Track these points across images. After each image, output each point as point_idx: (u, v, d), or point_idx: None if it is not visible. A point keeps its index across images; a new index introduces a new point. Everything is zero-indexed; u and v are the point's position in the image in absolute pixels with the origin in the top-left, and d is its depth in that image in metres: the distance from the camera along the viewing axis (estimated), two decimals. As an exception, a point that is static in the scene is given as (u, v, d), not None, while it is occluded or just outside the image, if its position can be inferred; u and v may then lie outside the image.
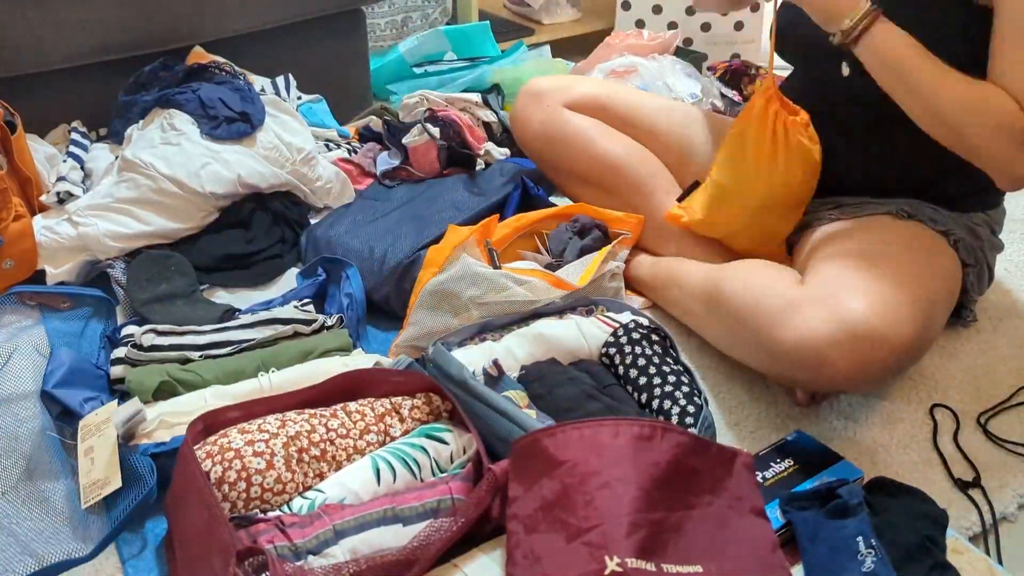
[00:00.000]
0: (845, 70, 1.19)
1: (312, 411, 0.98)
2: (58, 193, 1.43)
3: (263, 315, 1.22)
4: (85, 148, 1.57)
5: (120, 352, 1.16)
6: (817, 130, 1.21)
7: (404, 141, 1.66)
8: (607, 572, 0.73)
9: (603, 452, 0.80)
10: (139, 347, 1.15)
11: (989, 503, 1.04)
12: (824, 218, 1.27)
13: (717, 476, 0.82)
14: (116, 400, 1.07)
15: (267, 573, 0.77)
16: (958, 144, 1.10)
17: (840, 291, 1.04)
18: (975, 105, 1.06)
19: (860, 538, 0.90)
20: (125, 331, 1.20)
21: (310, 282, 1.34)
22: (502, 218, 1.46)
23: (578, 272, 1.30)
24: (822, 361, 1.01)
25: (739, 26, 2.34)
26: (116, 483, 0.96)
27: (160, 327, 1.18)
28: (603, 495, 0.77)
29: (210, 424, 0.96)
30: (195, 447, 0.91)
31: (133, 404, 1.03)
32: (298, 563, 0.79)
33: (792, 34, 1.24)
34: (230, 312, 1.28)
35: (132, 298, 1.30)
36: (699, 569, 0.74)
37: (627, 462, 0.79)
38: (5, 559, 0.94)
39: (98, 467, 0.99)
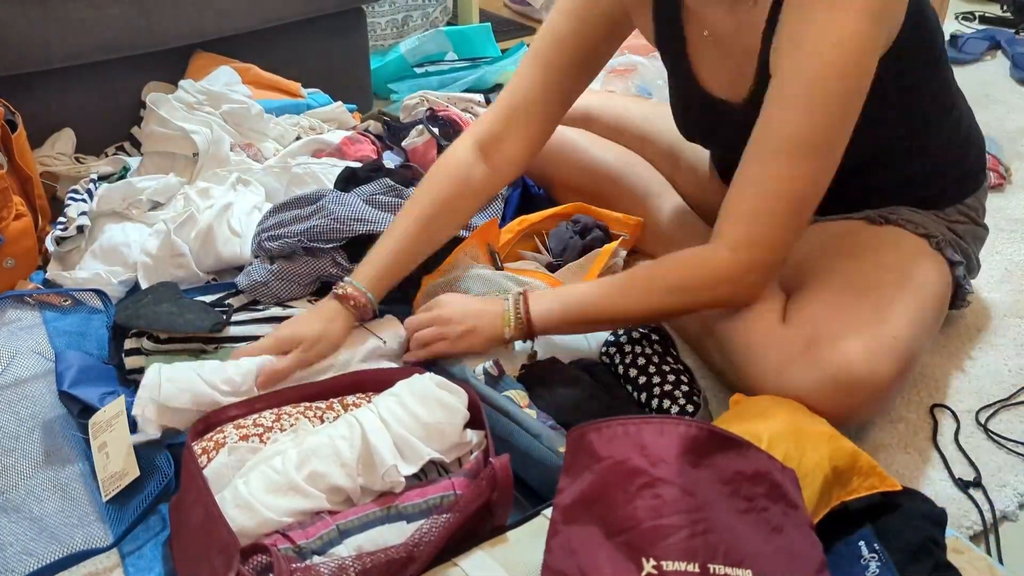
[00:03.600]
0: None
1: (308, 404, 0.98)
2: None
3: (278, 311, 1.22)
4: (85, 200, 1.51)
5: (134, 343, 1.16)
6: None
7: (403, 144, 1.66)
8: (643, 574, 0.72)
9: (648, 451, 0.79)
10: (155, 339, 1.16)
11: (990, 502, 1.04)
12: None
13: (772, 482, 0.81)
14: (125, 395, 1.07)
15: (271, 574, 0.76)
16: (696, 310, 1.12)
17: (823, 337, 1.02)
18: (684, 291, 1.06)
19: (863, 543, 0.89)
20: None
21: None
22: (503, 217, 1.46)
23: (579, 271, 1.30)
24: (805, 405, 1.00)
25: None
26: (134, 473, 0.98)
27: None
28: (645, 495, 0.76)
29: (211, 423, 0.96)
30: (193, 444, 0.91)
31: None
32: (303, 563, 0.79)
33: (694, 130, 1.28)
34: (224, 319, 1.20)
35: (115, 315, 1.22)
36: (749, 573, 0.73)
37: (672, 462, 0.79)
38: (27, 543, 0.97)
39: (114, 461, 1.01)
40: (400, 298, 1.29)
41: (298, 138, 1.65)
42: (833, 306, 1.06)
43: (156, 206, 1.48)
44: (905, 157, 1.19)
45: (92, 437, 1.04)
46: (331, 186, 1.48)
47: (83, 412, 1.09)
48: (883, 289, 1.08)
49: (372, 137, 1.69)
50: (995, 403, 1.19)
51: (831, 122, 1.00)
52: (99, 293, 1.30)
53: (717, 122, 1.19)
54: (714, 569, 0.73)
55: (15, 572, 0.93)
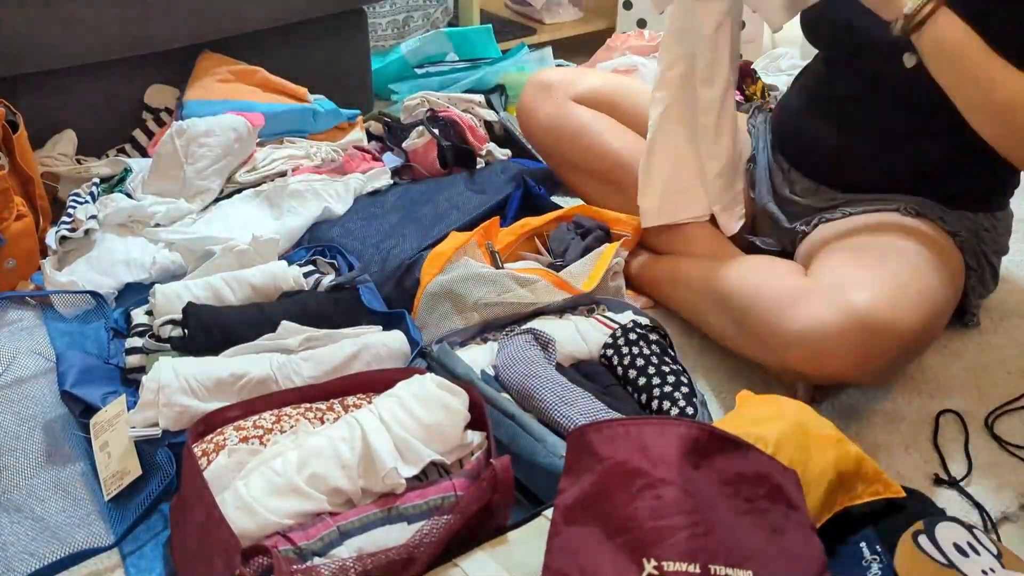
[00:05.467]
0: (909, 61, 1.13)
1: (308, 405, 0.98)
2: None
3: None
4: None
5: (136, 342, 1.16)
6: (835, 123, 1.20)
7: (404, 145, 1.66)
8: (644, 574, 0.72)
9: (649, 451, 0.79)
10: (156, 338, 1.16)
11: (990, 503, 1.04)
12: (831, 216, 1.27)
13: (772, 484, 0.81)
14: (126, 394, 1.08)
15: (272, 575, 0.76)
16: (1007, 138, 1.06)
17: (845, 281, 1.04)
18: None
19: (864, 544, 0.89)
20: (138, 319, 1.21)
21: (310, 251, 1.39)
22: (504, 218, 1.46)
23: (581, 271, 1.30)
24: (827, 351, 1.01)
25: (740, 26, 2.34)
26: (136, 471, 0.99)
27: (178, 317, 1.18)
28: (646, 495, 0.76)
29: (211, 424, 0.96)
30: (193, 446, 0.91)
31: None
32: (304, 564, 0.79)
33: (832, 21, 1.23)
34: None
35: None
36: (749, 575, 0.73)
37: (673, 463, 0.79)
38: (29, 543, 0.97)
39: (115, 460, 1.01)
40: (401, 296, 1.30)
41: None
42: (857, 260, 1.08)
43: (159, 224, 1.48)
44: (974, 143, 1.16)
45: (94, 436, 1.05)
46: (331, 202, 1.51)
47: (85, 412, 1.10)
48: (906, 255, 1.10)
49: (371, 150, 1.69)
50: (997, 404, 1.19)
51: None
52: (95, 295, 1.30)
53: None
54: (715, 570, 0.73)
55: (17, 571, 0.93)
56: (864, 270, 1.06)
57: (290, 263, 1.32)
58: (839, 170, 1.28)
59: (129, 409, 1.03)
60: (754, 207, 1.40)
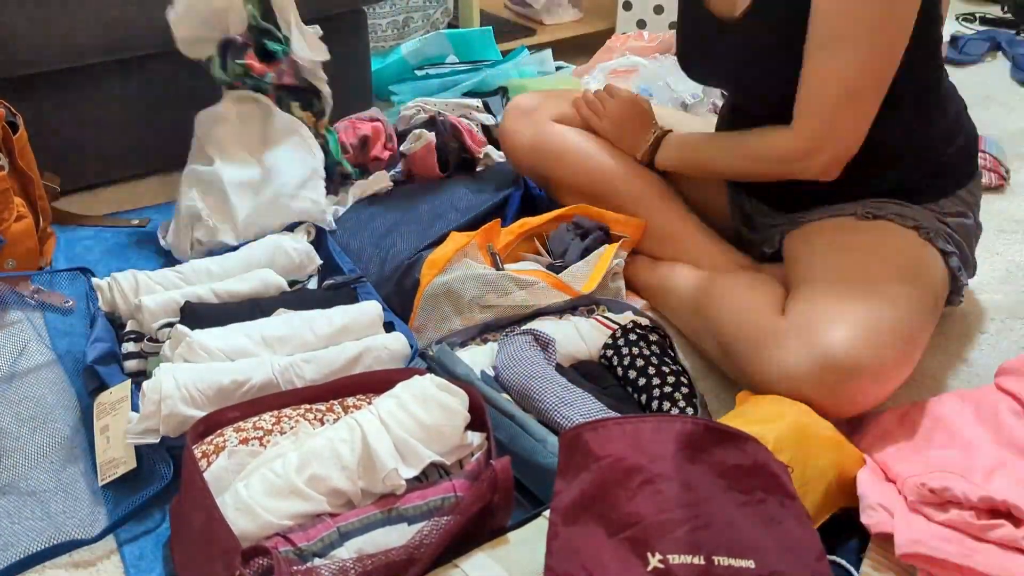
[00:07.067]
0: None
1: (308, 406, 0.98)
2: None
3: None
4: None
5: (132, 347, 1.16)
6: None
7: (402, 148, 1.66)
8: (649, 569, 0.72)
9: (646, 448, 0.80)
10: (154, 340, 1.16)
11: (990, 504, 1.03)
12: (795, 223, 1.28)
13: (768, 474, 0.82)
14: (130, 380, 1.09)
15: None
16: (760, 176, 1.27)
17: (819, 324, 1.03)
18: (759, 158, 1.23)
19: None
20: (130, 325, 1.21)
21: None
22: (504, 218, 1.46)
23: (582, 272, 1.30)
24: (804, 396, 1.01)
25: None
26: (131, 463, 0.99)
27: (174, 320, 1.17)
28: (645, 491, 0.77)
29: (211, 425, 0.96)
30: (193, 447, 0.91)
31: None
32: (304, 566, 0.79)
33: (694, 53, 1.31)
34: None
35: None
36: (751, 564, 0.74)
37: (670, 458, 0.79)
38: (27, 525, 0.99)
39: (114, 446, 1.01)
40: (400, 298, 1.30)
41: None
42: (829, 297, 1.07)
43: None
44: (882, 137, 1.17)
45: (96, 417, 1.05)
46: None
47: (95, 391, 1.11)
48: (877, 279, 1.09)
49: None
50: (996, 404, 1.19)
51: (876, 11, 1.05)
52: (84, 271, 1.31)
53: (719, 43, 1.23)
54: (718, 561, 0.73)
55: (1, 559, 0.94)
56: (837, 307, 1.05)
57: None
58: (779, 199, 1.31)
59: (132, 398, 1.04)
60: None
